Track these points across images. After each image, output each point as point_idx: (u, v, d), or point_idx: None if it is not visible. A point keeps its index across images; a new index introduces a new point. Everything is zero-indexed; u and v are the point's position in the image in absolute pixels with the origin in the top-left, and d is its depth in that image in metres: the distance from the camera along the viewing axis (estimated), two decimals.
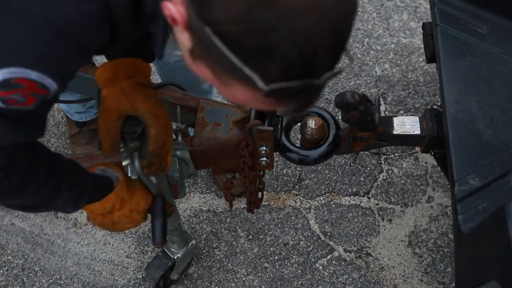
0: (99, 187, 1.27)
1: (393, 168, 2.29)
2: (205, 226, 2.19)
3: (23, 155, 1.05)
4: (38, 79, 0.87)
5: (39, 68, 0.86)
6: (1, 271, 2.13)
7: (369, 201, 2.23)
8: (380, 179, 2.27)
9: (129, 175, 1.35)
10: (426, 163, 2.30)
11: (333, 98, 2.47)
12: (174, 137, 1.42)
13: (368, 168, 2.30)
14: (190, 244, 1.90)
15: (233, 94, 0.88)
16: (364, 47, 2.65)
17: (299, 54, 0.77)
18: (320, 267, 2.09)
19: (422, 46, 2.06)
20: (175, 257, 1.89)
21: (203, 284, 2.07)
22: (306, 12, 0.76)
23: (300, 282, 2.07)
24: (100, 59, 2.61)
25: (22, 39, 0.84)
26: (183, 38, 0.85)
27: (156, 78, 2.54)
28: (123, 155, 1.37)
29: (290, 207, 2.22)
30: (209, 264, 2.11)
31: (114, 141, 1.31)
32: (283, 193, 2.25)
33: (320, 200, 2.24)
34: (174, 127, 1.44)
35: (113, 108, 1.27)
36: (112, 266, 2.13)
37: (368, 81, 2.53)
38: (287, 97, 0.83)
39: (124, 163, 1.36)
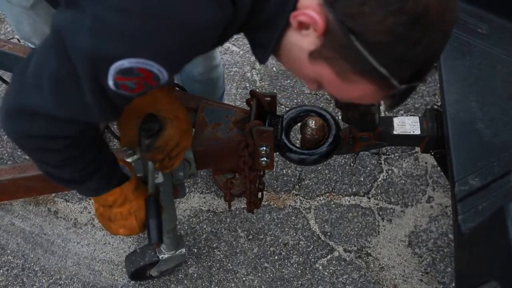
0: (118, 178, 1.28)
1: (393, 168, 2.29)
2: (205, 226, 2.19)
3: (92, 131, 1.14)
4: (157, 71, 0.93)
5: (163, 62, 0.93)
6: (1, 271, 2.13)
7: (369, 201, 2.23)
8: (380, 179, 2.28)
9: (135, 171, 1.35)
10: (426, 163, 2.30)
11: (333, 98, 2.47)
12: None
13: (368, 168, 2.30)
14: (180, 251, 1.87)
15: (350, 90, 0.99)
16: None
17: (428, 62, 0.93)
18: (320, 267, 2.09)
19: None
20: (160, 256, 1.87)
21: (203, 284, 2.07)
22: (441, 26, 0.90)
23: (300, 282, 2.07)
24: None
25: (158, 35, 0.89)
26: (304, 42, 0.95)
27: None
28: (127, 153, 1.37)
29: (290, 207, 2.22)
30: (209, 264, 2.11)
31: (132, 136, 1.35)
32: (283, 193, 2.25)
33: (320, 200, 2.24)
34: None
35: (137, 105, 1.30)
36: (112, 266, 2.13)
37: None
38: (399, 95, 0.96)
39: (129, 160, 1.37)
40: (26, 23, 1.63)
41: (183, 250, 1.88)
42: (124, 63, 0.90)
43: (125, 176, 1.29)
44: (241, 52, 2.66)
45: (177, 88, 1.62)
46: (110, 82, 0.93)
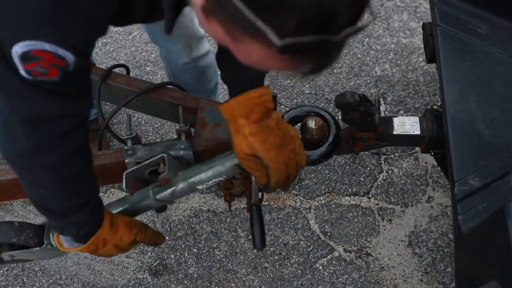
0: (95, 224, 1.29)
1: (393, 168, 2.29)
2: (205, 226, 2.19)
3: (78, 134, 1.11)
4: (52, 50, 0.92)
5: (51, 39, 0.91)
6: (1, 271, 2.13)
7: (369, 201, 2.23)
8: (380, 179, 2.27)
9: (125, 185, 1.36)
10: (426, 163, 2.30)
11: (333, 98, 2.47)
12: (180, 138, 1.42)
13: (368, 168, 2.30)
14: (47, 245, 1.45)
15: (246, 53, 0.87)
16: (364, 47, 2.65)
17: (317, 7, 0.75)
18: (320, 267, 2.09)
19: (422, 46, 2.06)
20: (46, 242, 1.45)
21: (203, 284, 2.07)
22: None
23: (300, 282, 2.07)
24: (99, 59, 2.62)
25: (33, 13, 0.89)
26: None
27: (162, 74, 2.54)
28: (127, 152, 1.36)
29: (290, 207, 2.22)
30: (209, 264, 2.11)
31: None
32: (283, 193, 2.25)
33: (320, 200, 2.24)
34: (177, 127, 1.44)
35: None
36: (112, 266, 2.13)
37: (368, 81, 2.53)
38: (303, 54, 0.81)
39: (127, 160, 1.36)
40: None
41: (51, 245, 1.45)
42: (17, 49, 0.90)
43: (99, 219, 1.30)
44: None
45: (176, 88, 1.62)
46: (22, 72, 0.94)
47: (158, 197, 1.36)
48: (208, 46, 1.96)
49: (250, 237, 2.15)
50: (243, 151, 1.25)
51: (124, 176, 1.35)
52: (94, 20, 0.96)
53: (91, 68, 1.12)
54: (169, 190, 1.36)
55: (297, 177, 2.26)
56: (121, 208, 1.38)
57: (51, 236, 1.39)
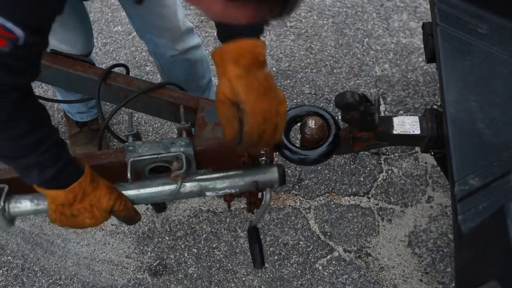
0: (70, 170, 1.25)
1: (393, 168, 2.29)
2: (205, 226, 2.19)
3: (14, 93, 1.10)
4: (0, 22, 0.95)
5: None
6: (1, 271, 2.13)
7: (369, 201, 2.23)
8: (380, 179, 2.27)
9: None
10: (426, 163, 2.30)
11: (333, 98, 2.47)
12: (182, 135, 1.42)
13: (368, 168, 2.30)
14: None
15: (209, 8, 0.90)
16: (364, 47, 2.65)
17: None
18: (320, 267, 2.09)
19: (422, 46, 2.06)
20: None
21: (203, 284, 2.07)
22: None
23: (300, 282, 2.07)
24: (99, 59, 2.62)
25: None
26: None
27: (155, 74, 2.54)
28: (128, 149, 1.37)
29: (290, 207, 2.22)
30: (209, 264, 2.11)
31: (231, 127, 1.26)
32: (283, 193, 2.25)
33: (320, 200, 2.24)
34: (178, 125, 1.44)
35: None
36: (112, 266, 2.13)
37: (368, 81, 2.53)
38: None
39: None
40: None
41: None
42: None
43: (79, 169, 1.26)
44: None
45: (175, 88, 1.62)
46: None
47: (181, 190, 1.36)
48: (198, 40, 1.96)
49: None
50: (224, 93, 1.20)
51: (129, 163, 1.35)
52: None
53: (45, 46, 1.11)
54: (177, 188, 1.36)
55: (297, 177, 2.27)
56: (134, 190, 1.37)
57: (6, 201, 1.35)
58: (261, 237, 2.14)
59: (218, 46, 1.24)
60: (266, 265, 2.11)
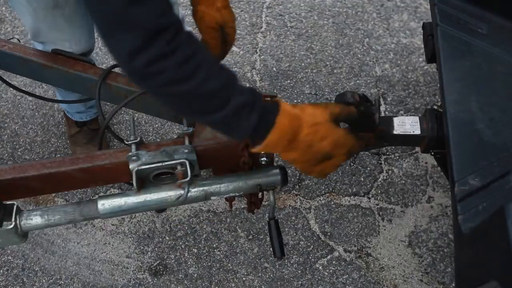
0: (267, 102, 1.14)
1: (393, 168, 2.29)
2: (205, 226, 2.19)
3: (184, 34, 1.03)
4: None
5: None
6: (1, 271, 2.13)
7: (369, 201, 2.23)
8: (380, 179, 2.27)
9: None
10: (426, 163, 2.30)
11: (333, 98, 2.47)
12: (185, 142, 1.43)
13: (368, 168, 2.30)
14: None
15: None
16: (364, 47, 2.65)
17: None
18: (320, 267, 2.09)
19: (422, 46, 2.06)
20: None
21: (203, 284, 2.07)
22: None
23: (300, 282, 2.07)
24: (99, 59, 2.62)
25: None
26: None
27: None
28: (131, 155, 1.37)
29: (290, 207, 2.22)
30: (209, 264, 2.11)
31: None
32: (283, 193, 2.25)
33: (320, 200, 2.24)
34: (179, 131, 1.44)
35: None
36: (112, 266, 2.13)
37: (368, 81, 2.53)
38: None
39: (131, 166, 1.36)
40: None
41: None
42: None
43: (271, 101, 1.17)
44: (241, 52, 2.66)
45: None
46: None
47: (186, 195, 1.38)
48: (182, 13, 1.99)
49: (250, 237, 2.15)
50: (216, 19, 1.43)
51: (134, 172, 1.36)
52: None
53: None
54: (184, 194, 1.38)
55: (297, 177, 2.27)
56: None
57: (17, 218, 1.34)
58: (262, 237, 2.15)
59: None
60: (266, 265, 2.11)
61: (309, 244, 2.14)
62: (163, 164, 1.37)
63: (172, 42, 0.99)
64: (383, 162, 2.31)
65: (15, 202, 1.36)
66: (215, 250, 2.14)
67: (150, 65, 1.00)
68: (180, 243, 2.16)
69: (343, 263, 2.10)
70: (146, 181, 1.41)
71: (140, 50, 0.98)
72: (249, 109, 1.10)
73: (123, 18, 0.97)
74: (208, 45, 1.48)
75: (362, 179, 2.28)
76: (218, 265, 2.11)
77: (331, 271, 2.09)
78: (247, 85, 1.28)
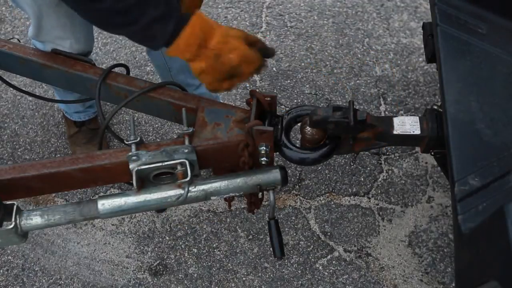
0: (183, 15, 1.21)
1: (393, 168, 2.29)
2: (205, 226, 2.19)
3: None
4: None
5: None
6: (1, 271, 2.13)
7: (369, 201, 2.23)
8: (380, 179, 2.27)
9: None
10: (426, 163, 2.30)
11: (333, 99, 2.47)
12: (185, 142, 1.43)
13: (368, 168, 2.30)
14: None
15: None
16: (364, 47, 2.65)
17: None
18: (320, 267, 2.09)
19: (422, 46, 2.06)
20: None
21: (203, 284, 2.07)
22: None
23: (300, 282, 2.07)
24: (99, 59, 2.62)
25: None
26: None
27: (156, 78, 2.54)
28: (131, 154, 1.37)
29: (290, 207, 2.22)
30: (209, 264, 2.11)
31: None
32: (283, 193, 2.25)
33: (320, 200, 2.24)
34: (180, 131, 1.44)
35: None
36: (112, 266, 2.13)
37: (368, 81, 2.53)
38: None
39: (132, 166, 1.36)
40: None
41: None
42: None
43: (187, 14, 1.23)
44: None
45: (176, 88, 1.62)
46: None
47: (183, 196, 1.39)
48: None
49: (250, 237, 2.15)
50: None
51: (134, 173, 1.36)
52: None
53: None
54: (184, 194, 1.38)
55: (297, 177, 2.27)
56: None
57: (17, 218, 1.36)
58: (262, 237, 2.15)
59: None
60: (266, 265, 2.11)
61: (309, 244, 2.14)
62: (163, 164, 1.37)
63: None
64: (383, 162, 2.31)
65: (15, 202, 1.36)
66: (215, 250, 2.14)
67: None
68: (180, 243, 2.16)
69: (343, 263, 2.10)
70: (146, 181, 1.41)
71: None
72: (165, 19, 1.18)
73: None
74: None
75: (362, 179, 2.28)
76: (218, 265, 2.11)
77: (331, 271, 2.09)
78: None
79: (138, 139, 1.40)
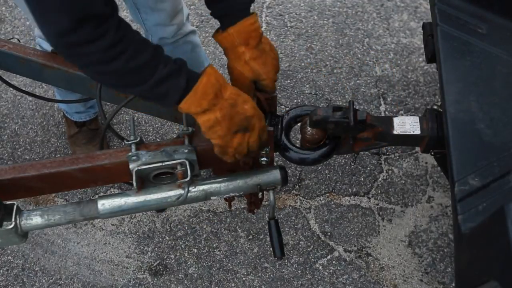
0: (192, 71, 1.23)
1: (393, 168, 2.29)
2: (205, 226, 2.19)
3: (113, 21, 1.10)
4: None
5: None
6: (1, 271, 2.13)
7: (369, 201, 2.23)
8: (380, 179, 2.27)
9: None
10: (426, 163, 2.30)
11: (333, 99, 2.47)
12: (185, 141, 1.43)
13: (368, 168, 2.30)
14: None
15: None
16: (364, 47, 2.65)
17: None
18: (320, 267, 2.09)
19: (422, 46, 2.06)
20: None
21: (203, 284, 2.07)
22: None
23: (300, 282, 2.07)
24: None
25: None
26: None
27: None
28: (131, 155, 1.37)
29: (290, 207, 2.22)
30: (209, 264, 2.11)
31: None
32: (283, 193, 2.25)
33: (320, 200, 2.24)
34: (179, 131, 1.44)
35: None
36: (112, 266, 2.13)
37: (368, 81, 2.53)
38: None
39: (131, 166, 1.36)
40: None
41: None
42: None
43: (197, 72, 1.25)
44: None
45: None
46: None
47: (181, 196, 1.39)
48: (191, 27, 2.00)
49: (250, 237, 2.15)
50: (244, 74, 1.39)
51: (134, 173, 1.36)
52: None
53: None
54: (184, 194, 1.38)
55: (297, 177, 2.27)
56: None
57: (17, 218, 1.36)
58: (262, 237, 2.15)
59: (219, 32, 1.38)
60: (266, 265, 2.11)
61: (309, 244, 2.14)
62: (163, 164, 1.37)
63: (98, 29, 1.06)
64: (383, 162, 2.31)
65: (15, 202, 1.36)
66: (215, 250, 2.14)
67: (75, 47, 1.08)
68: (180, 243, 2.16)
69: (343, 263, 2.10)
70: (146, 181, 1.41)
71: (67, 32, 1.05)
72: (176, 74, 1.19)
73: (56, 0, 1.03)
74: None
75: (362, 179, 2.28)
76: (218, 265, 2.11)
77: (331, 271, 2.09)
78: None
79: (138, 139, 1.40)
